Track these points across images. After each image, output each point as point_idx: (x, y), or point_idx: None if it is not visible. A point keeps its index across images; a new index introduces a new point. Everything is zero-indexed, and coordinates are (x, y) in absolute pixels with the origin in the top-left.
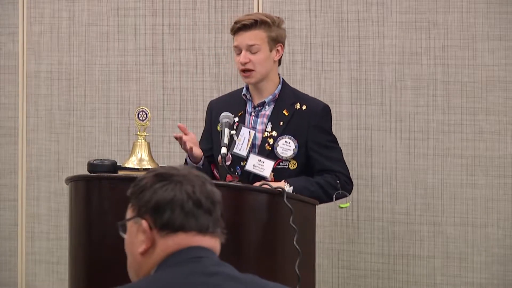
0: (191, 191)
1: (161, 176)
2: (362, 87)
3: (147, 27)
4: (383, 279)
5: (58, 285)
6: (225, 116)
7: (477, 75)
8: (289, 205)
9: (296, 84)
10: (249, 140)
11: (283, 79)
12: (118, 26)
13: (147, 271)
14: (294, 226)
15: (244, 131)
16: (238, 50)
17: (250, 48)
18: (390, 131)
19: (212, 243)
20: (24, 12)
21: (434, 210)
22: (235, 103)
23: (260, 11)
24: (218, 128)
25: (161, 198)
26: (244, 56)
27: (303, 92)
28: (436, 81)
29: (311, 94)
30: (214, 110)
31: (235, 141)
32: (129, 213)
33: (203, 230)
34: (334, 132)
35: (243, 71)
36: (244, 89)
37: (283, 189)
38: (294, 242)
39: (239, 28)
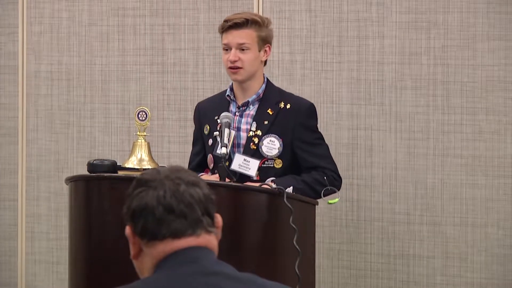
0: (162, 196)
1: (140, 182)
2: (362, 87)
3: (147, 27)
4: (383, 279)
5: (58, 285)
6: (225, 116)
7: (477, 75)
8: (289, 205)
9: (296, 84)
10: (229, 140)
11: (267, 78)
12: (118, 26)
13: (146, 274)
14: (294, 226)
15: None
16: (228, 47)
17: (240, 47)
18: (390, 131)
19: (201, 241)
20: (24, 12)
21: (434, 210)
22: (219, 104)
23: (260, 11)
24: (205, 132)
25: (136, 206)
26: (234, 54)
27: (302, 92)
28: (436, 81)
29: (311, 94)
30: (201, 112)
31: (218, 141)
32: None
33: (178, 235)
34: (333, 132)
35: (231, 68)
36: (228, 89)
37: (283, 189)
38: (294, 242)
39: (230, 26)
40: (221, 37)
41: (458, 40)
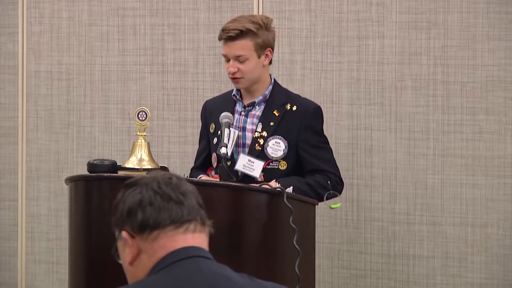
0: (157, 187)
1: (129, 184)
2: (362, 87)
3: (147, 27)
4: (383, 279)
5: (58, 285)
6: (225, 116)
7: (477, 75)
8: (289, 205)
9: (296, 84)
10: (233, 140)
11: (274, 79)
12: (118, 26)
13: (141, 278)
14: (294, 226)
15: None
16: (227, 58)
17: (238, 58)
18: (390, 131)
19: (197, 240)
20: (24, 12)
21: (434, 210)
22: (225, 103)
23: (260, 11)
24: (211, 130)
25: (131, 203)
26: (233, 65)
27: (302, 92)
28: (436, 81)
29: (311, 94)
30: (207, 111)
31: (220, 146)
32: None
33: (178, 221)
34: (333, 132)
35: (232, 78)
36: (235, 89)
37: (283, 189)
38: (294, 242)
39: (225, 38)
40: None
41: (458, 40)
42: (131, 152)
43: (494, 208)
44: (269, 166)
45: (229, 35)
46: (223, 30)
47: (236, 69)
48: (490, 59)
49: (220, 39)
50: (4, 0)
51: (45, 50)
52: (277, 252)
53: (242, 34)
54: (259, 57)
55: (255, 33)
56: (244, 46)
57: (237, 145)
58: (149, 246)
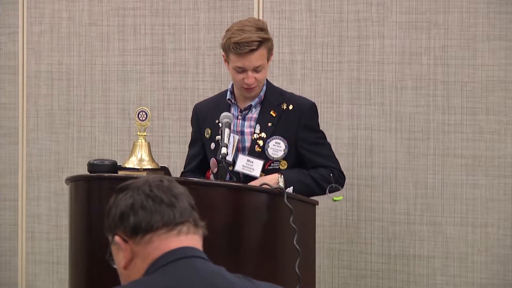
0: (148, 190)
1: (120, 189)
2: (362, 87)
3: (147, 27)
4: (383, 279)
5: (58, 285)
6: (225, 116)
7: (477, 75)
8: (289, 205)
9: (296, 84)
10: (233, 145)
11: (266, 79)
12: (118, 26)
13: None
14: (294, 226)
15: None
16: (241, 69)
17: (256, 69)
18: (390, 131)
19: (191, 242)
20: (24, 12)
21: (434, 210)
22: (219, 107)
23: (260, 11)
24: (206, 135)
25: (123, 207)
26: (251, 77)
27: (302, 92)
28: (436, 81)
29: (311, 94)
30: (200, 115)
31: (221, 146)
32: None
33: (171, 223)
34: (333, 132)
35: (247, 88)
36: (228, 93)
37: (283, 189)
38: (294, 242)
39: (246, 52)
40: (228, 55)
41: (458, 40)
42: (131, 152)
43: (494, 208)
44: (270, 167)
45: (252, 48)
46: (239, 43)
47: (254, 80)
48: (490, 59)
49: (237, 53)
50: (4, 0)
51: (45, 50)
52: (277, 252)
53: (260, 44)
54: (268, 61)
55: (268, 39)
56: (262, 56)
57: (237, 149)
58: (142, 249)
